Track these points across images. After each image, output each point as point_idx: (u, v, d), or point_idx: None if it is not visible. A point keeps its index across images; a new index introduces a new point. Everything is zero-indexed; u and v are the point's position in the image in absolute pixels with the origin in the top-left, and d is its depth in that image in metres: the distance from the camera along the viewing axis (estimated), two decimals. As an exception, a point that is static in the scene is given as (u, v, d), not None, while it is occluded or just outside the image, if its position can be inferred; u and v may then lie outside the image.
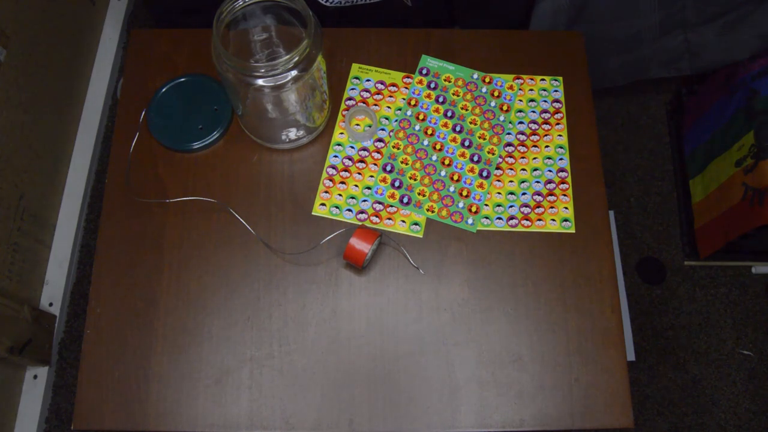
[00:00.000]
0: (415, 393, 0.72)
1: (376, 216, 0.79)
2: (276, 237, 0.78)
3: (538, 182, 0.81)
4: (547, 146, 0.83)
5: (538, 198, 0.81)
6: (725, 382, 1.34)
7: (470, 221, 0.79)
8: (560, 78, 0.88)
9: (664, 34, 1.28)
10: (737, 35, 1.26)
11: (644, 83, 1.55)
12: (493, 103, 0.86)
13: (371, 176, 0.81)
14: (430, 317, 0.75)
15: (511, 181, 0.81)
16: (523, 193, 0.81)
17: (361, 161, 0.82)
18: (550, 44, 0.90)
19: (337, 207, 0.80)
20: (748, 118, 1.21)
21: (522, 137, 0.84)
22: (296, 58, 0.66)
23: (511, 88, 0.87)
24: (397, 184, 0.81)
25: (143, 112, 0.84)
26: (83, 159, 1.44)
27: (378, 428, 0.71)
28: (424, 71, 0.88)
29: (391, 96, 0.86)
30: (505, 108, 0.86)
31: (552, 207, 0.80)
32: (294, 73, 0.68)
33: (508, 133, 0.84)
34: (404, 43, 0.89)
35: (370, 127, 0.84)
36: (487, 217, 0.79)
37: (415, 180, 0.81)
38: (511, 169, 0.82)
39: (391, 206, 0.80)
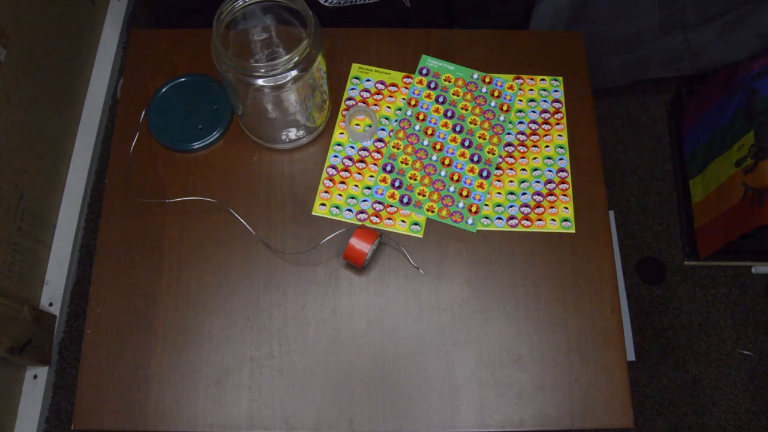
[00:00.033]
0: (415, 393, 0.72)
1: (376, 216, 0.79)
2: (276, 237, 0.78)
3: (538, 182, 0.81)
4: (547, 146, 0.83)
5: (538, 198, 0.81)
6: (725, 382, 1.34)
7: (470, 221, 0.79)
8: (560, 78, 0.88)
9: (664, 34, 1.28)
10: (737, 35, 1.26)
11: (644, 83, 1.55)
12: (493, 103, 0.86)
13: (371, 176, 0.81)
14: (430, 317, 0.75)
15: (511, 181, 0.81)
16: (523, 193, 0.81)
17: (361, 161, 0.82)
18: (550, 44, 0.90)
19: (337, 207, 0.80)
20: (748, 118, 1.21)
21: (522, 137, 0.84)
22: (296, 58, 0.66)
23: (511, 88, 0.87)
24: (397, 184, 0.81)
25: (143, 112, 0.84)
26: (83, 159, 1.44)
27: (378, 428, 0.71)
28: (424, 71, 0.88)
29: (391, 96, 0.86)
30: (505, 108, 0.86)
31: (552, 207, 0.80)
32: (294, 73, 0.68)
33: (508, 133, 0.84)
34: (404, 43, 0.89)
35: (370, 127, 0.84)
36: (487, 217, 0.79)
37: (415, 180, 0.81)
38: (511, 169, 0.82)
39: (391, 206, 0.80)
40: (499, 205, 0.80)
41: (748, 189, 1.19)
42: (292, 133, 0.80)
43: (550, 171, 0.82)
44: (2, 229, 1.17)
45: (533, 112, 0.86)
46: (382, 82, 0.87)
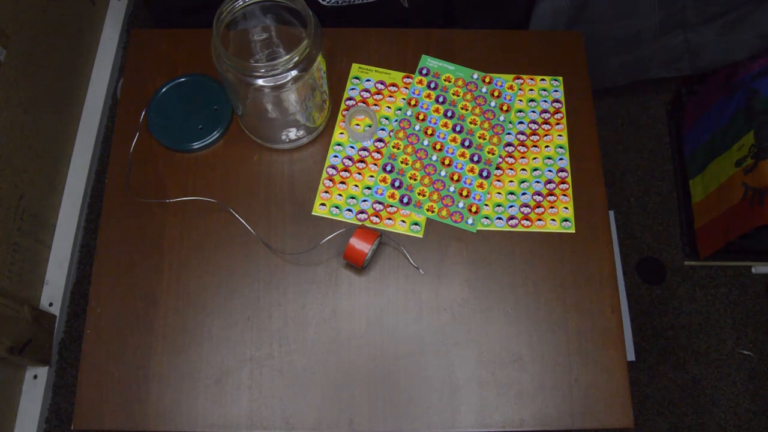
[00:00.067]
0: (415, 393, 0.72)
1: (376, 216, 0.79)
2: (276, 237, 0.78)
3: (538, 182, 0.81)
4: (547, 146, 0.83)
5: (538, 198, 0.81)
6: (725, 382, 1.34)
7: (470, 221, 0.79)
8: (560, 78, 0.88)
9: (664, 34, 1.28)
10: (737, 35, 1.26)
11: (644, 83, 1.55)
12: (493, 103, 0.86)
13: (371, 176, 0.81)
14: (430, 317, 0.75)
15: (511, 181, 0.81)
16: (523, 193, 0.81)
17: (361, 161, 0.82)
18: (550, 44, 0.90)
19: (337, 207, 0.80)
20: (748, 118, 1.21)
21: (522, 137, 0.84)
22: (296, 58, 0.66)
23: (511, 88, 0.87)
24: (397, 184, 0.81)
25: (143, 112, 0.84)
26: (83, 159, 1.44)
27: (378, 428, 0.71)
28: (424, 71, 0.88)
29: (391, 96, 0.86)
30: (505, 108, 0.86)
31: (552, 207, 0.80)
32: (294, 73, 0.68)
33: (508, 133, 0.84)
34: (404, 43, 0.89)
35: (370, 127, 0.84)
36: (487, 217, 0.79)
37: (415, 180, 0.81)
38: (511, 169, 0.82)
39: (391, 206, 0.80)
40: (499, 205, 0.80)
41: (748, 189, 1.19)
42: (292, 133, 0.80)
43: (550, 171, 0.82)
44: (2, 229, 1.17)
45: (533, 112, 0.86)
46: (382, 82, 0.87)
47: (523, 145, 0.84)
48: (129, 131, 0.83)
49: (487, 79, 0.87)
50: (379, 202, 0.80)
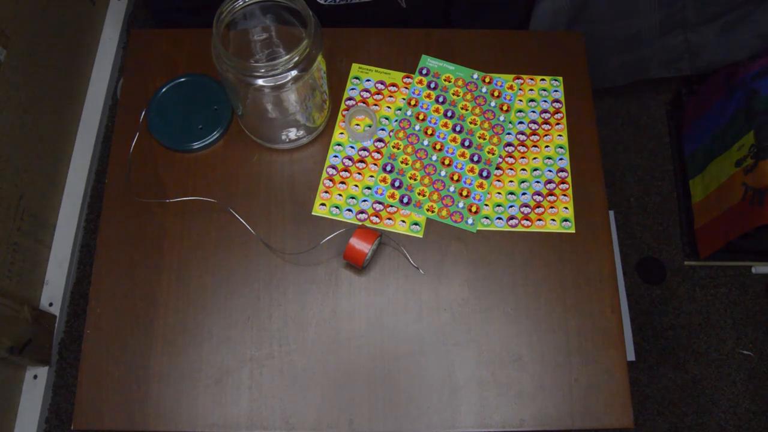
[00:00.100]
0: (415, 393, 0.72)
1: (376, 216, 0.79)
2: (276, 237, 0.78)
3: (538, 182, 0.81)
4: (547, 146, 0.83)
5: (538, 198, 0.81)
6: (725, 382, 1.34)
7: (470, 221, 0.79)
8: (560, 78, 0.88)
9: (664, 34, 1.28)
10: (737, 35, 1.26)
11: (644, 83, 1.55)
12: (493, 103, 0.86)
13: (371, 176, 0.81)
14: (430, 317, 0.75)
15: (511, 181, 0.81)
16: (523, 193, 0.81)
17: (361, 161, 0.82)
18: (550, 44, 0.90)
19: (337, 207, 0.80)
20: (748, 118, 1.21)
21: (522, 137, 0.84)
22: (296, 58, 0.66)
23: (511, 88, 0.87)
24: (397, 184, 0.81)
25: (143, 112, 0.84)
26: (83, 159, 1.44)
27: (378, 428, 0.71)
28: (424, 71, 0.88)
29: (391, 96, 0.86)
30: (505, 108, 0.86)
31: (552, 207, 0.80)
32: (294, 73, 0.68)
33: (508, 133, 0.84)
34: (404, 43, 0.89)
35: (370, 127, 0.84)
36: (487, 217, 0.79)
37: (415, 180, 0.81)
38: (511, 169, 0.82)
39: (391, 206, 0.80)
40: (499, 205, 0.80)
41: (748, 189, 1.19)
42: (292, 133, 0.80)
43: (550, 171, 0.82)
44: (2, 229, 1.17)
45: (533, 112, 0.86)
46: (382, 82, 0.87)
47: (523, 145, 0.84)
48: (129, 131, 0.83)
49: (487, 79, 0.87)
50: (379, 202, 0.80)
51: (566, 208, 0.80)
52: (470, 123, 0.85)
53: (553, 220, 0.80)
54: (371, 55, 0.89)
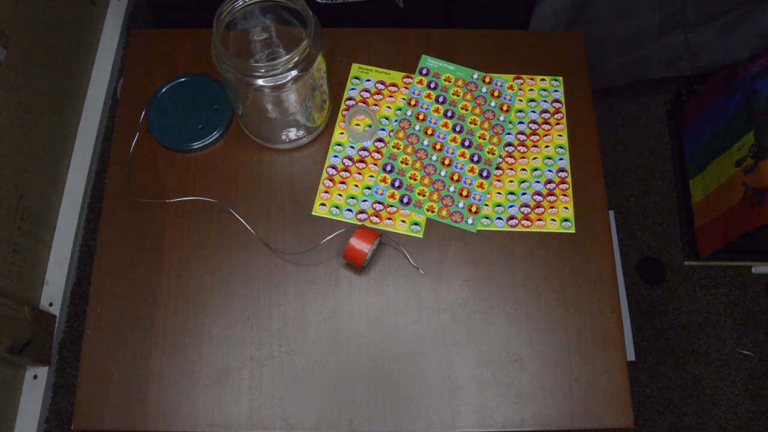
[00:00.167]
0: (415, 393, 0.72)
1: (376, 216, 0.79)
2: (276, 237, 0.78)
3: (538, 182, 0.81)
4: (547, 146, 0.83)
5: (538, 198, 0.81)
6: (725, 382, 1.34)
7: (470, 221, 0.79)
8: (560, 78, 0.88)
9: (664, 34, 1.28)
10: (737, 35, 1.26)
11: (644, 83, 1.55)
12: (493, 103, 0.86)
13: (371, 176, 0.81)
14: (430, 317, 0.75)
15: (511, 181, 0.81)
16: (523, 193, 0.81)
17: (361, 161, 0.82)
18: (550, 44, 0.90)
19: (337, 207, 0.80)
20: (748, 118, 1.21)
21: (522, 137, 0.84)
22: (296, 58, 0.66)
23: (511, 88, 0.87)
24: (397, 184, 0.81)
25: (143, 112, 0.84)
26: (83, 159, 1.44)
27: (378, 428, 0.71)
28: (424, 71, 0.88)
29: (391, 96, 0.86)
30: (505, 108, 0.86)
31: (552, 207, 0.80)
32: (294, 73, 0.68)
33: (508, 133, 0.84)
34: (404, 43, 0.89)
35: (370, 127, 0.84)
36: (487, 217, 0.79)
37: (415, 180, 0.81)
38: (511, 169, 0.82)
39: (391, 206, 0.80)
40: (499, 205, 0.80)
41: (748, 189, 1.19)
42: (292, 133, 0.80)
43: (550, 171, 0.82)
44: (2, 229, 1.17)
45: (533, 112, 0.86)
46: (382, 82, 0.87)
47: (523, 145, 0.84)
48: (129, 131, 0.83)
49: (487, 79, 0.87)
50: (379, 202, 0.80)
51: (566, 208, 0.80)
52: (470, 123, 0.85)
53: (553, 220, 0.80)
54: (371, 55, 0.89)
